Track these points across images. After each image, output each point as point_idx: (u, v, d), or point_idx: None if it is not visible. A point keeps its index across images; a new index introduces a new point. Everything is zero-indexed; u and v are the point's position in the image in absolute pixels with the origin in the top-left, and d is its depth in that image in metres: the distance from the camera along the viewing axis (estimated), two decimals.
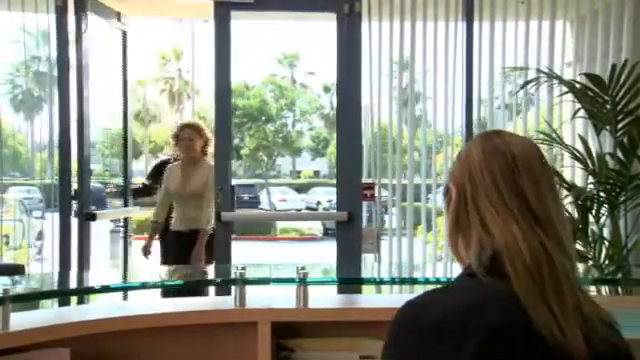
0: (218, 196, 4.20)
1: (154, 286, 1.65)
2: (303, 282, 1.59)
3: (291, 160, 29.68)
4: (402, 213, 4.32)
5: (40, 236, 5.19)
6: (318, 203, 21.93)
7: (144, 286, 1.59)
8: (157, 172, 4.89)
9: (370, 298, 1.89)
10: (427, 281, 1.73)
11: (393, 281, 1.91)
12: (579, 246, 3.57)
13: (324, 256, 4.43)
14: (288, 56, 28.87)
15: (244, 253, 4.43)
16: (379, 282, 1.89)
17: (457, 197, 1.09)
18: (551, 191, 1.06)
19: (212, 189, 4.18)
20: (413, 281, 1.77)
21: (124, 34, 4.74)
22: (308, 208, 22.41)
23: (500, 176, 1.05)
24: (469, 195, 1.07)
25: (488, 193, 1.05)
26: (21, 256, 5.15)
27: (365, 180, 4.23)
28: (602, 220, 3.58)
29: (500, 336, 0.94)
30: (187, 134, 4.45)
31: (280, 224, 17.84)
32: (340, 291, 3.09)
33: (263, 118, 26.00)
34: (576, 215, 3.56)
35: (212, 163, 4.28)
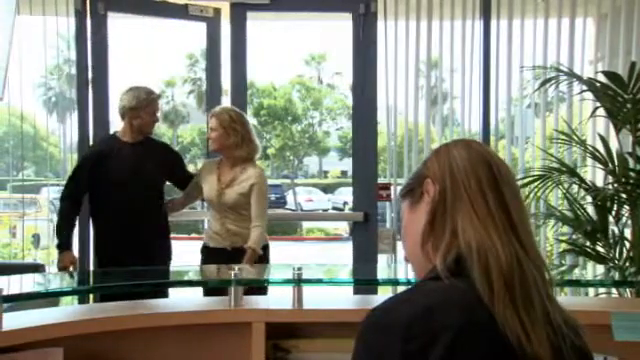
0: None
1: (147, 286, 1.66)
2: (298, 283, 1.59)
3: (318, 160, 29.73)
4: None
5: None
6: (345, 203, 21.90)
7: (136, 287, 1.61)
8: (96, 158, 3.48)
9: (376, 299, 1.88)
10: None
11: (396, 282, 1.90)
12: (599, 247, 3.51)
13: (348, 256, 4.40)
14: (315, 56, 28.93)
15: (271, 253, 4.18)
16: (379, 283, 1.88)
17: (438, 197, 1.08)
18: (524, 206, 1.10)
19: (261, 204, 3.40)
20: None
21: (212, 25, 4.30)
22: (335, 208, 22.40)
23: (486, 182, 1.06)
24: (449, 196, 1.06)
25: (472, 197, 1.05)
26: (48, 255, 5.27)
27: (385, 180, 4.23)
28: (623, 220, 3.51)
29: (466, 336, 0.95)
30: (212, 123, 3.46)
31: (306, 224, 17.89)
32: (356, 292, 3.10)
33: (289, 118, 26.08)
34: (595, 216, 3.50)
35: (260, 171, 3.51)
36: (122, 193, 3.39)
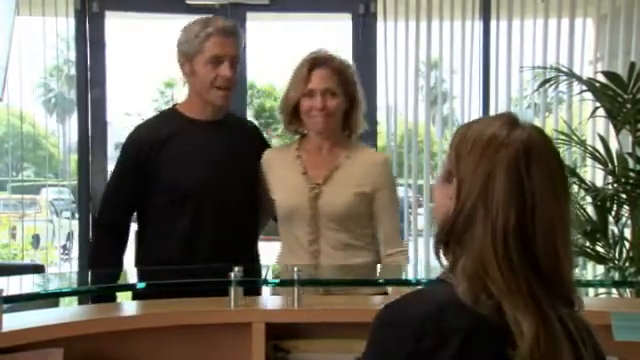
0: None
1: (145, 287, 1.67)
2: (297, 283, 1.59)
3: None
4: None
5: (69, 237, 5.30)
6: None
7: (134, 288, 1.61)
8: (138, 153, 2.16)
9: (376, 299, 1.88)
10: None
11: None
12: (599, 247, 3.51)
13: None
14: None
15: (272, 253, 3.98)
16: (379, 283, 1.88)
17: (461, 215, 1.02)
18: (564, 229, 1.03)
19: (397, 212, 2.22)
20: (411, 282, 1.76)
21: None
22: None
23: (514, 228, 0.99)
24: (469, 207, 1.01)
25: (494, 220, 0.99)
26: (48, 256, 5.27)
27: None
28: (622, 220, 3.51)
29: (476, 338, 0.96)
30: (324, 81, 2.08)
31: None
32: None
33: None
34: (595, 216, 3.51)
35: (386, 155, 2.51)
36: (184, 203, 2.11)
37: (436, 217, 1.11)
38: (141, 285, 1.77)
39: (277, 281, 1.68)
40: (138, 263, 2.22)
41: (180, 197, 2.10)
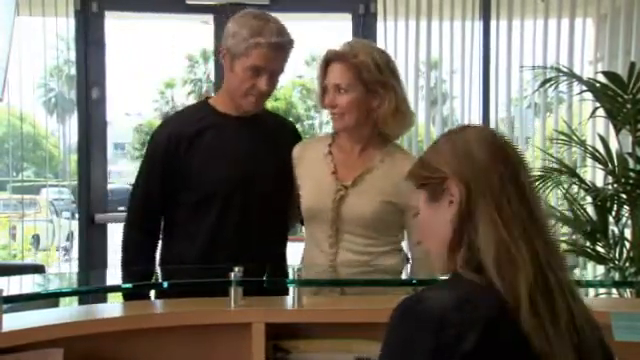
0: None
1: (145, 287, 1.67)
2: (297, 283, 1.59)
3: None
4: None
5: (69, 237, 5.30)
6: None
7: (135, 288, 1.61)
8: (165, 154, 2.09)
9: (376, 299, 1.87)
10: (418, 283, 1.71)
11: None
12: (599, 248, 3.51)
13: None
14: (315, 57, 28.92)
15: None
16: (379, 283, 1.88)
17: (463, 202, 1.06)
18: (539, 197, 1.10)
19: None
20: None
21: None
22: None
23: (508, 177, 1.05)
24: (473, 200, 1.05)
25: (497, 200, 1.03)
26: (48, 257, 5.27)
27: None
28: (623, 220, 3.51)
29: (495, 329, 0.97)
30: (334, 77, 1.97)
31: None
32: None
33: (291, 119, 26.13)
34: (595, 216, 3.51)
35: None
36: (213, 200, 2.06)
37: (429, 243, 1.14)
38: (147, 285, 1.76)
39: (276, 280, 1.67)
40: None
41: (208, 194, 2.05)
